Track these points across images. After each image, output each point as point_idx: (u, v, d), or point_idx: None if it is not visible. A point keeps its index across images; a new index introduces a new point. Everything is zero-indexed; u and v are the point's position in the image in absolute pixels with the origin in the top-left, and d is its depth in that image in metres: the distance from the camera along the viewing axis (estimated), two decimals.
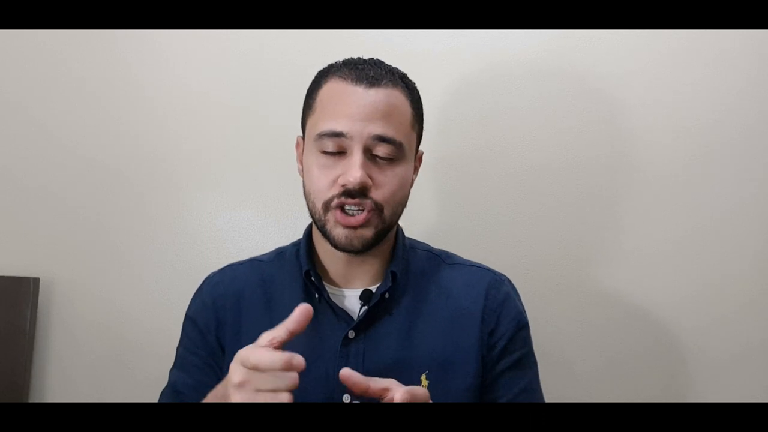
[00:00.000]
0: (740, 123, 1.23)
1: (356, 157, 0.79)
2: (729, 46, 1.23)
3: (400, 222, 0.92)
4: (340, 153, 0.81)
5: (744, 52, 1.23)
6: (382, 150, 0.81)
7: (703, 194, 1.23)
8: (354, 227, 0.81)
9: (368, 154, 0.81)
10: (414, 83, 0.88)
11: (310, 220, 0.91)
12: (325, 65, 0.88)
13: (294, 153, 0.93)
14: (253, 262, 0.94)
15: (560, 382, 1.17)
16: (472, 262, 0.93)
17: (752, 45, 1.23)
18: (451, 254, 0.95)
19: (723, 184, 1.23)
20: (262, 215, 1.25)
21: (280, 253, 0.94)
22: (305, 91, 0.89)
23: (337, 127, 0.80)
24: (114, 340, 1.23)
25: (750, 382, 1.20)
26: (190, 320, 0.91)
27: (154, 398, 0.92)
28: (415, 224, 1.07)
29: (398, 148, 0.82)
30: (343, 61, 0.87)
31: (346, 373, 0.68)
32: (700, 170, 1.23)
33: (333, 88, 0.83)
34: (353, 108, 0.80)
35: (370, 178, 0.80)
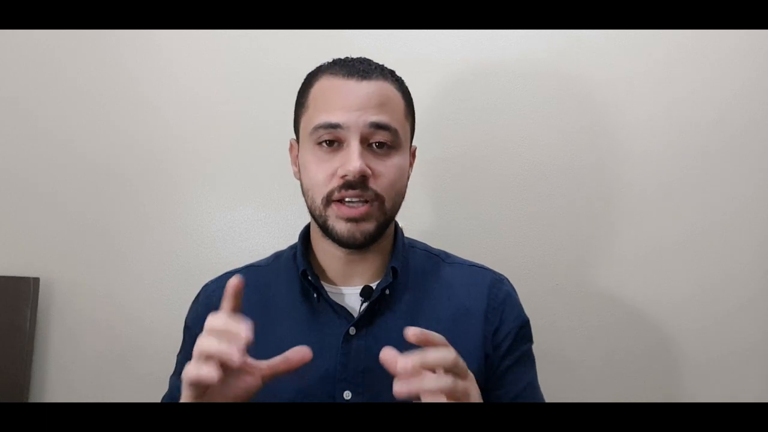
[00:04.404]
0: (740, 123, 1.23)
1: (353, 147, 0.80)
2: (729, 46, 1.23)
3: (399, 222, 0.92)
4: (337, 146, 0.81)
5: (744, 52, 1.23)
6: (379, 137, 0.81)
7: (702, 195, 1.23)
8: (356, 219, 0.81)
9: (365, 144, 0.81)
10: (403, 79, 0.89)
11: (309, 221, 0.91)
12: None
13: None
14: (250, 268, 0.94)
15: (560, 382, 1.17)
16: (470, 261, 0.94)
17: (753, 45, 1.23)
18: (450, 254, 0.95)
19: (722, 185, 1.23)
20: (262, 215, 1.25)
21: (277, 257, 0.94)
22: None
23: (333, 118, 0.80)
24: (114, 340, 1.23)
25: (749, 381, 1.20)
26: (187, 328, 0.91)
27: (155, 398, 0.92)
28: (414, 224, 1.07)
29: (395, 135, 0.82)
30: (331, 61, 0.87)
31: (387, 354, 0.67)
32: (699, 171, 1.23)
33: (325, 84, 0.84)
34: (347, 99, 0.81)
35: (369, 168, 0.80)
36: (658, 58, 1.24)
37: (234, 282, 0.70)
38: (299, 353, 0.71)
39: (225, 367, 0.65)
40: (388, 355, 0.66)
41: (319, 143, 0.82)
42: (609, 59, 1.24)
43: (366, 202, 0.81)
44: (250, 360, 0.70)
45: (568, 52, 1.24)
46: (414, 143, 0.92)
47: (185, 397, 0.68)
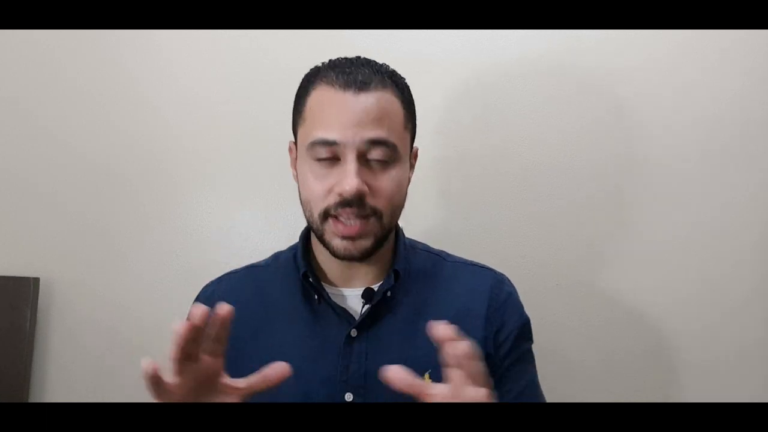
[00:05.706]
0: (740, 123, 1.23)
1: (350, 164, 0.78)
2: (729, 46, 1.23)
3: (400, 222, 0.92)
4: (334, 160, 0.80)
5: (744, 52, 1.23)
6: (376, 153, 0.80)
7: (702, 195, 1.23)
8: (352, 238, 0.80)
9: (362, 159, 0.80)
10: (404, 81, 0.87)
11: None
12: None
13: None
14: (250, 268, 0.94)
15: (560, 382, 1.17)
16: (471, 261, 0.94)
17: (753, 45, 1.23)
18: (450, 254, 0.95)
19: (722, 185, 1.23)
20: (262, 216, 1.25)
21: (276, 257, 0.94)
22: None
23: (329, 135, 0.79)
24: (114, 340, 1.23)
25: (749, 381, 1.20)
26: None
27: None
28: (415, 225, 1.07)
29: (393, 150, 0.81)
30: (329, 62, 0.85)
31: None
32: (700, 171, 1.23)
33: (321, 95, 0.82)
34: (344, 115, 0.79)
35: (366, 184, 0.79)
36: (658, 58, 1.24)
37: (224, 313, 0.67)
38: (277, 370, 0.67)
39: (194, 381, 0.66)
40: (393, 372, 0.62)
41: (317, 159, 0.81)
42: (609, 59, 1.24)
43: (363, 217, 0.80)
44: (227, 379, 0.68)
45: (568, 52, 1.24)
46: (415, 144, 0.91)
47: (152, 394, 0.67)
